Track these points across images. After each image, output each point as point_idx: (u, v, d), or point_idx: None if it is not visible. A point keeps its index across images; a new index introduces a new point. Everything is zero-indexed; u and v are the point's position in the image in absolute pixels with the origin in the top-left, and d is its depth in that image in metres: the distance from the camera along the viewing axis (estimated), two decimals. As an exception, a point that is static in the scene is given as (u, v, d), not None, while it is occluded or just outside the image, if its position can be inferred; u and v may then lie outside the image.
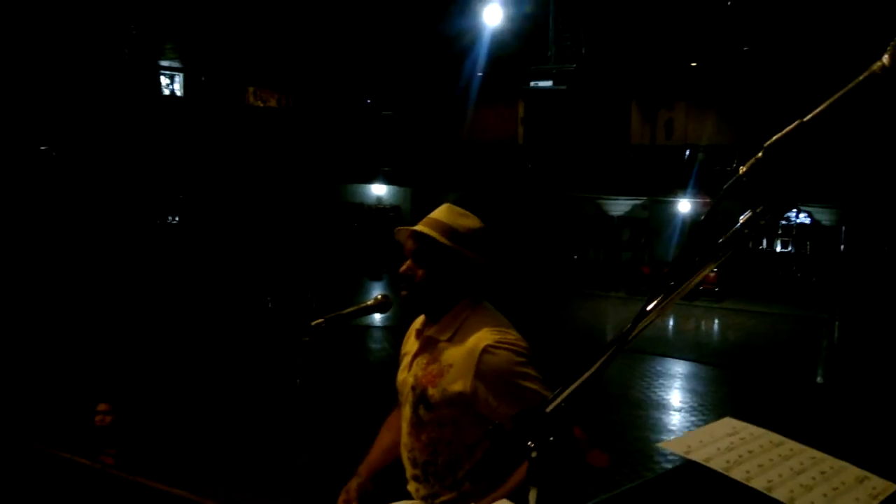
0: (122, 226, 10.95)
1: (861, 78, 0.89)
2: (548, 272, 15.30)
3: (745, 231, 1.02)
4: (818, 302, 13.78)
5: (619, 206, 16.26)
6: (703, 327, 13.10)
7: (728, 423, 1.51)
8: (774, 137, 0.96)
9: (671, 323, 12.90)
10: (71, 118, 10.14)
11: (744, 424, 1.49)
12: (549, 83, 10.09)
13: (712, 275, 15.07)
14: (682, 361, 9.32)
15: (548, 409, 1.35)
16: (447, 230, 2.16)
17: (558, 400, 1.35)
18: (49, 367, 6.41)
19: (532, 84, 10.27)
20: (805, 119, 0.93)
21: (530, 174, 15.12)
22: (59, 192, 10.19)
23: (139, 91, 11.03)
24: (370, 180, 15.66)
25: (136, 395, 5.66)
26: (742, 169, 0.97)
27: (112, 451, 3.74)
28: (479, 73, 12.49)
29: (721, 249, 1.05)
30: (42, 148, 10.19)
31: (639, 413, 6.82)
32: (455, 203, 2.38)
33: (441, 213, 2.22)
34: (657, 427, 6.44)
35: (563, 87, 9.96)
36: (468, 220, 2.20)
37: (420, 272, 2.16)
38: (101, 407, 3.87)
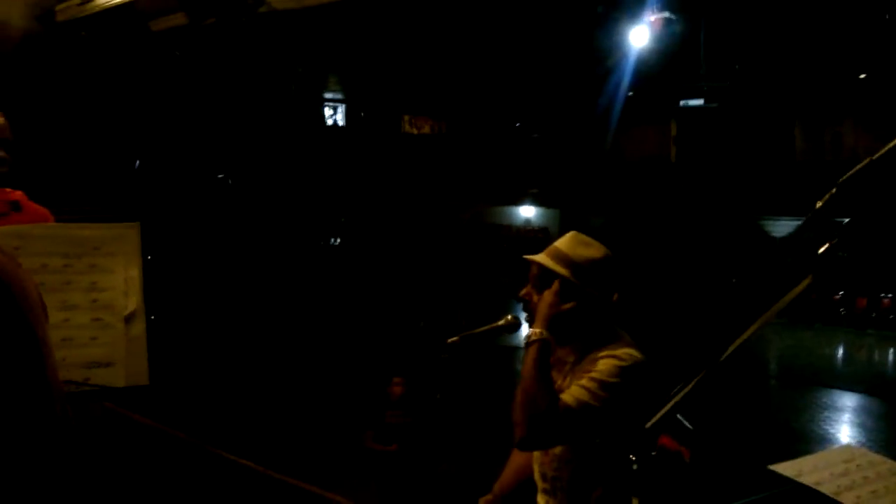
0: (292, 246, 11.72)
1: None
2: (706, 296, 14.72)
3: (825, 262, 1.06)
4: None
5: (784, 227, 15.39)
6: (875, 357, 12.10)
7: (847, 450, 1.51)
8: (847, 174, 1.01)
9: (840, 352, 12.04)
10: (244, 150, 11.05)
11: (863, 451, 1.48)
12: (700, 101, 9.82)
13: (887, 300, 13.89)
14: (850, 394, 8.70)
15: (647, 426, 1.43)
16: (563, 259, 2.24)
17: (657, 416, 1.43)
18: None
19: (682, 103, 10.02)
20: (874, 157, 0.98)
21: (684, 194, 14.67)
22: (235, 216, 11.09)
23: (305, 123, 11.83)
24: (519, 202, 15.81)
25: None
26: (819, 203, 1.02)
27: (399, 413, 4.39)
28: (629, 93, 12.34)
29: (805, 274, 1.10)
30: (219, 176, 11.16)
31: (801, 447, 6.45)
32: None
33: (563, 241, 2.31)
34: (819, 462, 6.09)
35: (715, 105, 9.66)
36: (589, 251, 2.25)
37: (536, 297, 2.27)
38: (396, 380, 4.51)
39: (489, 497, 2.55)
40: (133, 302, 1.45)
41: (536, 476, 2.41)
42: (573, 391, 2.06)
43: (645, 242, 12.50)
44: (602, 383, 2.06)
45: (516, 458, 2.64)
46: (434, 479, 4.20)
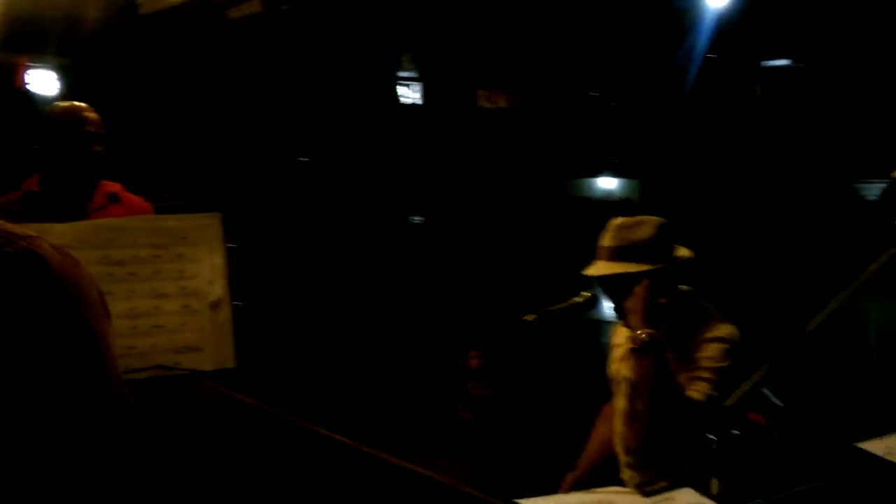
0: (374, 226, 11.93)
1: None
2: (802, 265, 14.13)
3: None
4: None
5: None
6: None
7: (946, 426, 1.45)
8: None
9: None
10: (324, 133, 11.26)
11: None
12: (786, 61, 9.35)
13: None
14: None
15: (727, 404, 1.41)
16: (625, 254, 2.21)
17: (736, 395, 1.40)
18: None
19: (765, 63, 9.57)
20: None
21: (772, 159, 14.09)
22: (318, 197, 11.36)
23: (381, 103, 11.96)
24: (598, 174, 15.50)
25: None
26: (895, 173, 0.97)
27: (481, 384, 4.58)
28: (709, 56, 11.89)
29: (888, 245, 1.06)
30: (302, 159, 11.42)
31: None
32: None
33: (607, 237, 2.27)
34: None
35: (802, 65, 9.19)
36: (637, 231, 2.22)
37: (615, 300, 2.26)
38: (472, 353, 4.70)
39: (575, 472, 2.56)
40: (218, 289, 1.53)
41: (619, 450, 2.41)
42: (698, 386, 2.07)
43: (732, 210, 12.11)
44: (717, 370, 2.07)
45: (600, 433, 2.65)
46: (520, 455, 4.25)
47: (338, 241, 11.03)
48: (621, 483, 2.34)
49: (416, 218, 14.42)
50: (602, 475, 2.40)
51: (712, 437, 1.22)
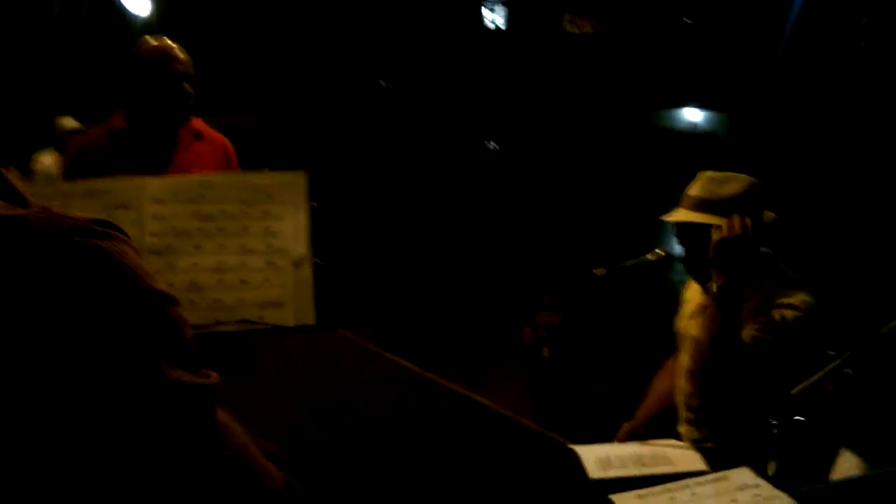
0: (451, 150, 11.94)
1: None
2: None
3: None
4: None
5: None
6: None
7: None
8: None
9: None
10: (404, 56, 11.20)
11: None
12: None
13: None
14: None
15: (793, 392, 1.42)
16: (710, 205, 2.15)
17: (804, 384, 1.40)
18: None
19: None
20: None
21: (877, 95, 13.23)
22: (395, 121, 11.40)
23: (465, 26, 11.78)
24: (684, 105, 14.94)
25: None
26: None
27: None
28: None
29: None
30: (380, 82, 11.43)
31: None
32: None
33: (695, 187, 2.20)
34: None
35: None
36: (726, 186, 2.16)
37: (688, 250, 2.22)
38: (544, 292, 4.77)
39: (632, 423, 2.61)
40: (301, 246, 1.59)
41: (680, 406, 2.44)
42: (751, 332, 2.02)
43: (829, 151, 11.50)
44: (778, 326, 2.01)
45: (659, 386, 2.67)
46: (579, 398, 4.31)
47: (417, 165, 11.10)
48: (678, 437, 2.37)
49: (493, 144, 14.32)
50: (658, 428, 2.44)
51: (774, 422, 1.23)
